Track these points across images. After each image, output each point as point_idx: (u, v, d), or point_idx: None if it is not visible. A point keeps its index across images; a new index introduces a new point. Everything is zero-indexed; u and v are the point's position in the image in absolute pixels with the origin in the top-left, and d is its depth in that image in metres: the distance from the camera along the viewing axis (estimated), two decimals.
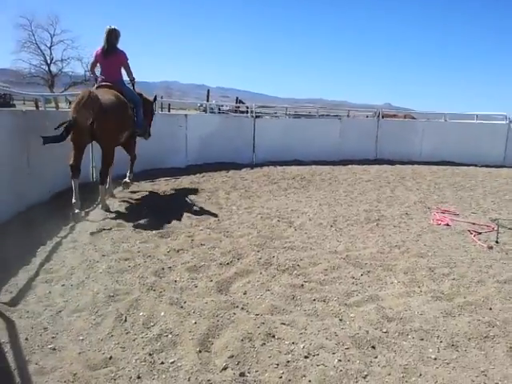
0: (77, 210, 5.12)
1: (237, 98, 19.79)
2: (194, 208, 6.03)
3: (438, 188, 8.31)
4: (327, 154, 11.03)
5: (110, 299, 3.25)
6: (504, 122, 12.31)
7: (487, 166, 11.47)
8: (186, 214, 5.64)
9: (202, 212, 5.84)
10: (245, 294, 3.46)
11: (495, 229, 5.28)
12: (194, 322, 2.97)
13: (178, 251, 4.30)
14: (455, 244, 4.90)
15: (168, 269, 3.87)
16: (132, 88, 6.39)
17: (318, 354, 2.66)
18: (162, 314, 3.07)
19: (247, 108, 11.11)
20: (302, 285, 3.64)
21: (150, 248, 4.36)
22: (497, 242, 4.98)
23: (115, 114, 5.45)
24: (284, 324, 2.99)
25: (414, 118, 14.15)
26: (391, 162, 11.35)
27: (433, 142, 12.03)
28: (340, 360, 2.59)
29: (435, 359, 2.66)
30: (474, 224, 5.73)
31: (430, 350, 2.74)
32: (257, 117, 11.04)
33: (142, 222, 5.24)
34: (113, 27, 5.90)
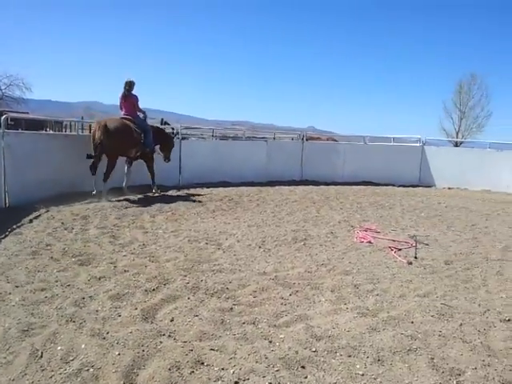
0: (94, 192, 7.83)
1: (162, 119, 19.48)
2: (117, 233, 5.78)
3: (360, 207, 8.67)
4: (255, 176, 11.18)
5: (24, 334, 2.98)
6: (418, 145, 13.22)
7: (404, 186, 12.21)
8: (107, 240, 5.39)
9: (125, 237, 5.60)
10: (172, 320, 3.32)
11: (413, 245, 5.56)
12: (117, 353, 2.79)
13: (99, 279, 4.06)
14: (377, 260, 5.09)
15: (89, 298, 3.63)
16: (144, 119, 8.68)
17: (248, 379, 2.59)
18: (83, 346, 2.86)
19: (173, 129, 11.00)
20: (231, 308, 3.58)
21: (69, 277, 4.08)
22: (415, 257, 5.24)
23: (116, 137, 7.73)
24: (213, 350, 2.90)
25: (335, 140, 14.75)
26: (316, 183, 11.72)
27: (354, 164, 12.63)
28: (271, 383, 2.55)
29: (363, 375, 2.69)
30: (394, 241, 6.00)
31: (358, 367, 2.78)
32: (183, 138, 10.95)
33: (59, 249, 4.92)
34: (130, 80, 8.33)
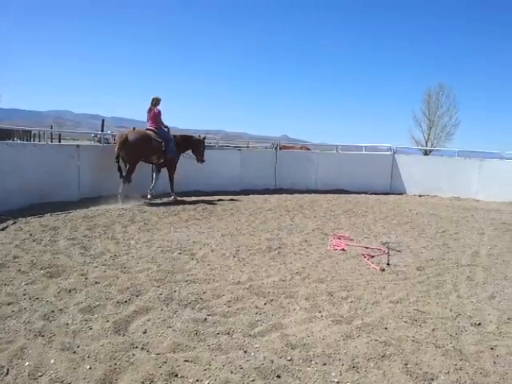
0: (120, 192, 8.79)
1: (134, 128, 19.25)
2: (88, 244, 5.65)
3: (334, 215, 8.74)
4: (229, 185, 11.16)
5: None
6: (389, 153, 13.47)
7: (376, 194, 12.38)
8: (78, 251, 5.26)
9: (96, 248, 5.48)
10: (145, 332, 3.26)
11: (386, 251, 5.63)
12: (88, 367, 2.71)
13: (69, 291, 3.95)
14: (351, 268, 5.13)
15: (58, 311, 3.53)
16: (167, 130, 9.69)
17: None
18: (52, 361, 2.77)
19: None
20: (206, 319, 3.53)
21: (38, 289, 3.96)
22: (388, 264, 5.30)
23: (135, 146, 8.89)
24: (187, 361, 2.85)
25: (309, 149, 14.87)
26: (290, 192, 11.77)
27: (327, 172, 12.76)
28: None
29: (338, 383, 2.69)
30: (367, 248, 6.07)
31: (333, 374, 2.78)
32: None
33: (27, 261, 4.77)
34: (156, 97, 9.50)
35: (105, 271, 4.58)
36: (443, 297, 4.28)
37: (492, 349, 3.21)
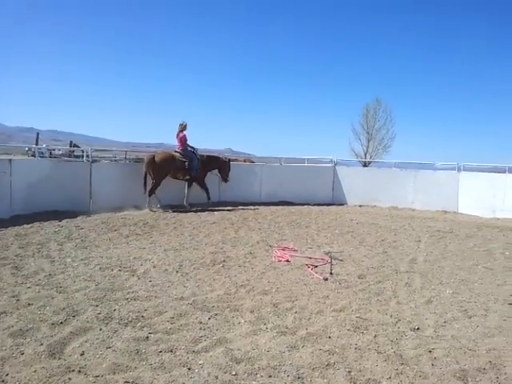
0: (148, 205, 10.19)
1: (71, 141, 18.62)
2: (20, 263, 5.32)
3: (278, 226, 8.80)
4: (171, 199, 10.91)
5: None
6: (330, 165, 13.80)
7: (319, 205, 12.62)
8: (9, 271, 4.94)
9: (29, 267, 5.17)
10: (82, 354, 3.09)
11: (329, 261, 5.72)
12: None
13: None
14: (295, 278, 5.16)
15: None
16: (193, 151, 11.04)
17: None
18: None
19: (83, 152, 10.50)
20: (147, 337, 3.41)
21: None
22: (331, 273, 5.38)
23: (159, 165, 10.30)
24: (128, 382, 2.73)
25: (253, 161, 14.92)
26: (234, 204, 11.72)
27: (271, 184, 12.86)
28: None
29: None
30: (310, 258, 6.14)
31: None
32: (94, 161, 10.47)
33: None
34: (183, 123, 10.90)
35: (39, 291, 4.32)
36: (384, 303, 4.39)
37: (430, 352, 3.32)
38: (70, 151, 19.48)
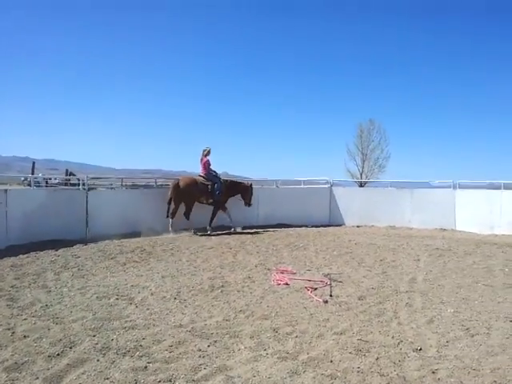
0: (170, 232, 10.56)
1: (67, 170, 18.68)
2: (16, 294, 5.25)
3: (276, 249, 8.76)
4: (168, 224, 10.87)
5: None
6: (326, 186, 13.84)
7: (316, 226, 12.60)
8: (4, 303, 4.87)
9: (25, 298, 5.10)
10: None
11: (328, 283, 5.67)
12: None
13: None
14: (295, 302, 5.10)
15: None
16: (215, 174, 11.50)
17: None
18: None
19: (79, 180, 10.52)
20: (146, 366, 3.35)
21: None
22: (331, 295, 5.33)
23: (183, 190, 10.86)
24: None
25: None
26: (231, 228, 11.67)
27: (268, 207, 12.85)
28: None
29: None
30: (309, 280, 6.09)
31: None
32: (90, 189, 10.47)
33: None
34: (205, 148, 11.42)
35: (35, 323, 4.26)
36: (385, 324, 4.34)
37: (433, 372, 3.27)
38: (66, 179, 19.52)
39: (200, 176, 11.40)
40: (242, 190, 11.99)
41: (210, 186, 11.21)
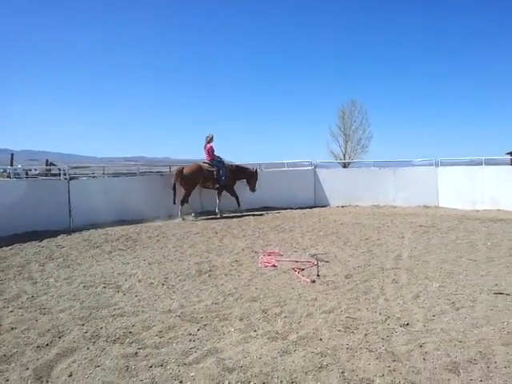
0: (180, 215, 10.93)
1: (47, 160, 18.35)
2: (1, 287, 5.18)
3: (262, 232, 8.78)
4: (153, 211, 10.79)
5: None
6: (310, 168, 13.86)
7: (301, 208, 12.65)
8: None
9: (11, 290, 5.04)
10: (70, 376, 3.02)
11: (315, 263, 5.72)
12: None
13: None
14: (283, 283, 5.14)
15: None
16: (220, 160, 11.74)
17: None
18: None
19: (59, 170, 10.34)
20: (136, 353, 3.34)
21: None
22: (318, 275, 5.38)
23: (187, 176, 11.11)
24: None
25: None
26: (216, 213, 11.66)
27: None
28: None
29: None
30: (296, 261, 6.13)
31: None
32: (71, 178, 10.32)
33: None
34: (208, 135, 11.57)
35: (22, 315, 4.21)
36: (372, 301, 4.40)
37: (421, 346, 3.33)
38: (46, 170, 19.20)
39: (205, 162, 11.61)
40: (248, 175, 12.27)
41: (215, 172, 11.48)
